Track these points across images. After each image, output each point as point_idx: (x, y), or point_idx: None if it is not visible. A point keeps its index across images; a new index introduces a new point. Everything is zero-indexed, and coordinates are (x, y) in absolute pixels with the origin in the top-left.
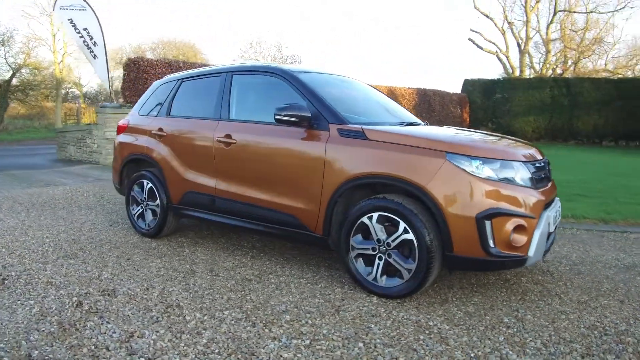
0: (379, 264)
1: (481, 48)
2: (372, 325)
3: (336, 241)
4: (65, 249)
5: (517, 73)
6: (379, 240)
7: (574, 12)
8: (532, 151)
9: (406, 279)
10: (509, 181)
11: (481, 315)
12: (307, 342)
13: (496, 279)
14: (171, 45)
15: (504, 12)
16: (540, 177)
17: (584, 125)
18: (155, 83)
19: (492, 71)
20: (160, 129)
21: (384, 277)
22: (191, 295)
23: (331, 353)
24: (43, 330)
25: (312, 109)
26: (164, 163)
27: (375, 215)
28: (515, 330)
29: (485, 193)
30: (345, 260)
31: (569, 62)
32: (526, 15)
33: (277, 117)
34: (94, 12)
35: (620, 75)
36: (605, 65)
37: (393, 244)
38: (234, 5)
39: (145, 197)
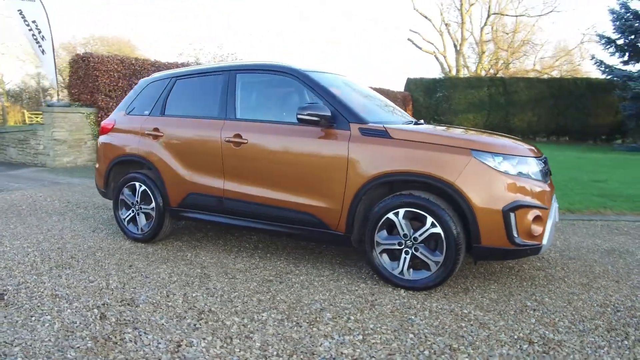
0: (405, 258)
1: (420, 48)
2: (413, 317)
3: (358, 238)
4: (54, 258)
5: (454, 72)
6: (405, 235)
7: (506, 15)
8: (535, 148)
9: (434, 271)
10: (526, 175)
11: (505, 301)
12: (360, 337)
13: (502, 268)
14: (104, 41)
15: (441, 13)
16: (546, 172)
17: (519, 122)
18: (143, 81)
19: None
20: (156, 129)
21: (410, 270)
22: (218, 299)
23: (388, 345)
24: (79, 347)
25: (331, 108)
26: (160, 164)
27: (402, 211)
28: (541, 312)
29: (509, 187)
30: (370, 256)
31: (500, 62)
32: (461, 17)
33: (299, 116)
34: (43, 5)
35: (547, 75)
36: (534, 65)
37: (420, 238)
38: (233, 5)
39: (137, 201)
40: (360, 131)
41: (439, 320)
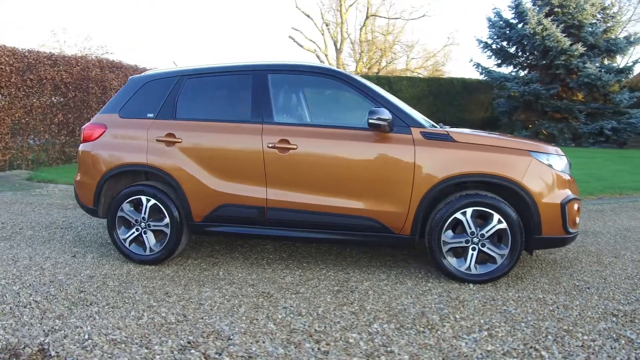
0: (472, 254)
1: (301, 46)
2: (506, 308)
3: (419, 239)
4: (59, 295)
5: None
6: (472, 233)
7: (383, 17)
8: None
9: (500, 263)
10: (565, 172)
11: (558, 283)
12: (485, 333)
13: (522, 256)
14: None
15: (322, 13)
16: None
17: None
18: (135, 80)
19: None
20: (170, 134)
21: (477, 265)
22: (317, 317)
23: (514, 337)
24: None
25: (390, 113)
26: (180, 174)
27: (469, 210)
28: (595, 289)
29: (561, 183)
30: (438, 256)
31: (374, 61)
32: (341, 17)
33: (370, 120)
34: None
35: (420, 75)
36: (407, 65)
37: (487, 235)
38: None
39: (144, 217)
40: (423, 135)
41: (530, 307)
